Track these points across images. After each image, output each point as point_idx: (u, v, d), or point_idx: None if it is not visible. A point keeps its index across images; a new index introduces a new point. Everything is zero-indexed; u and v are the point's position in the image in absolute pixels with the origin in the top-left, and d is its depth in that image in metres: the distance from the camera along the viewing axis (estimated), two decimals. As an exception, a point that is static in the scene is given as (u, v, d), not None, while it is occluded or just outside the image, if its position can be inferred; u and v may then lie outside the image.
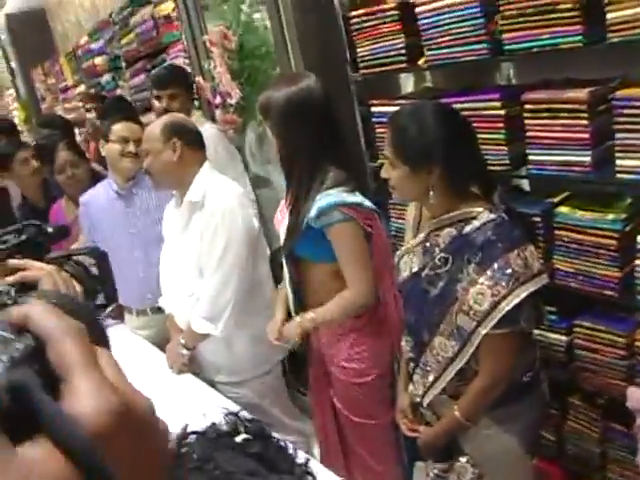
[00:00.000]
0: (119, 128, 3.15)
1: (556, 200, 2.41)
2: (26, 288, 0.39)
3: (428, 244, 1.98)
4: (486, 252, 1.79)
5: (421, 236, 2.02)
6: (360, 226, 2.23)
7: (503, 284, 1.74)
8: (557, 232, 2.33)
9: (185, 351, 2.72)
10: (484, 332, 1.79)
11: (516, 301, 1.74)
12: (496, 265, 1.76)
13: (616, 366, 2.30)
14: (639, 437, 1.55)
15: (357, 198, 2.24)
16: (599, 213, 2.24)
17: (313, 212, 2.19)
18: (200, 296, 2.68)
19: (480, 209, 1.87)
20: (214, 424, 0.85)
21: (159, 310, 3.09)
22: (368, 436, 2.55)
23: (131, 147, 3.11)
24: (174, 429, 0.74)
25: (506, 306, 1.75)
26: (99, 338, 0.43)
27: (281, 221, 2.45)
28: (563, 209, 2.33)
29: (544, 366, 2.10)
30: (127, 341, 3.05)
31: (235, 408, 2.26)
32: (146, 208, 3.18)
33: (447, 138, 1.84)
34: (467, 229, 1.86)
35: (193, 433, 0.84)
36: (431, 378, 1.97)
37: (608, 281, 2.21)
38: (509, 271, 1.74)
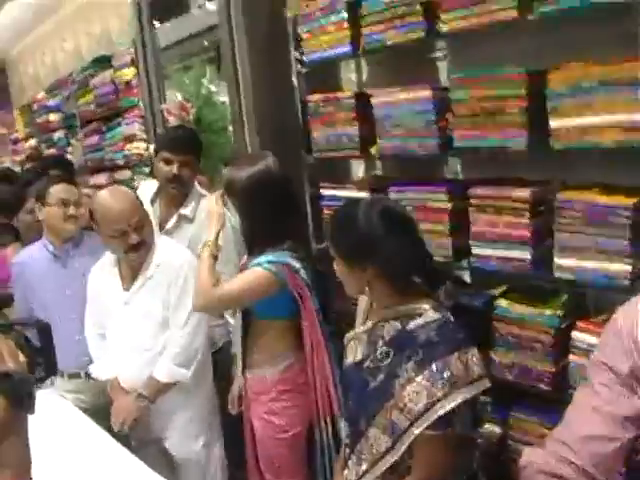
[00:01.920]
0: (58, 190, 3.11)
1: (496, 293, 2.47)
2: None
3: (373, 335, 1.98)
4: (427, 352, 1.77)
5: (369, 324, 2.02)
6: (277, 282, 2.37)
7: (439, 386, 1.71)
8: (496, 324, 2.38)
9: (146, 402, 2.69)
10: (417, 432, 1.75)
11: (451, 405, 1.71)
12: (434, 366, 1.73)
13: (548, 460, 2.33)
14: None
15: (297, 264, 2.38)
16: (537, 308, 2.30)
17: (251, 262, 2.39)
18: (169, 346, 2.71)
19: (426, 306, 1.86)
20: None
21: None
22: None
23: (72, 210, 3.08)
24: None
25: (441, 409, 1.71)
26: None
27: None
28: (502, 302, 2.38)
29: (481, 463, 2.09)
30: (54, 406, 2.98)
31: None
32: (83, 269, 3.12)
33: (379, 238, 1.84)
34: (411, 325, 1.85)
35: None
36: (364, 468, 1.93)
37: (543, 375, 2.26)
38: (447, 374, 1.72)
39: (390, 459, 1.83)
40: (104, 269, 2.86)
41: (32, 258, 3.22)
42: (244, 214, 2.45)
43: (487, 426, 2.49)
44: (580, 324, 2.17)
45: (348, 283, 1.99)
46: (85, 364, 3.07)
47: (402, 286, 1.91)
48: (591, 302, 2.32)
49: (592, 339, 2.08)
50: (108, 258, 2.84)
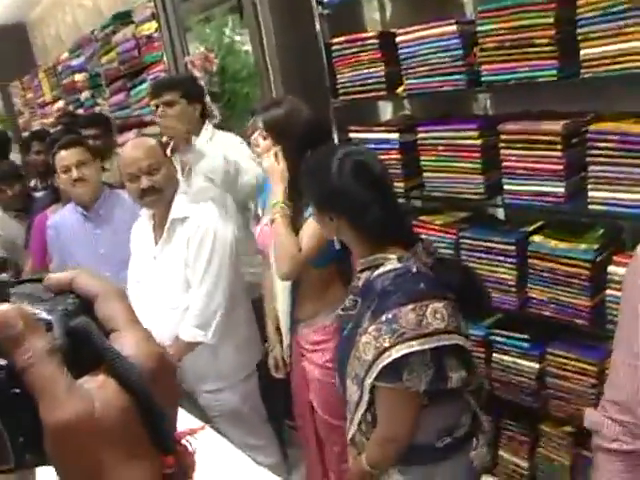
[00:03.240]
0: (59, 158, 3.12)
1: (530, 229, 2.45)
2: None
3: (352, 286, 1.95)
4: (380, 301, 1.71)
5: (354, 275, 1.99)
6: None
7: (386, 337, 1.64)
8: (530, 261, 2.37)
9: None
10: (368, 382, 1.71)
11: (394, 357, 1.63)
12: (385, 317, 1.66)
13: (586, 394, 2.33)
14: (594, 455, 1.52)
15: None
16: (572, 243, 2.28)
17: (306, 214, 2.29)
18: (190, 306, 2.71)
19: (392, 256, 1.78)
20: None
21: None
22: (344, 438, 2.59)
23: (74, 173, 3.08)
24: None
25: (383, 361, 1.64)
26: None
27: (265, 235, 2.54)
28: (537, 238, 2.37)
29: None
30: None
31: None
32: (114, 228, 3.16)
33: (348, 191, 1.80)
34: (374, 275, 1.79)
35: None
36: (349, 416, 1.90)
37: (580, 310, 2.25)
38: (395, 326, 1.63)
39: (361, 409, 1.80)
40: (142, 223, 2.89)
41: (64, 221, 3.26)
42: (298, 158, 2.28)
43: (525, 362, 2.49)
44: (616, 258, 2.14)
45: (321, 227, 1.99)
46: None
47: (373, 238, 1.84)
48: (628, 235, 2.29)
49: (629, 271, 2.07)
50: (146, 213, 2.86)
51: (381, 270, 1.77)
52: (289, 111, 2.37)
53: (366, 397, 1.75)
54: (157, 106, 3.18)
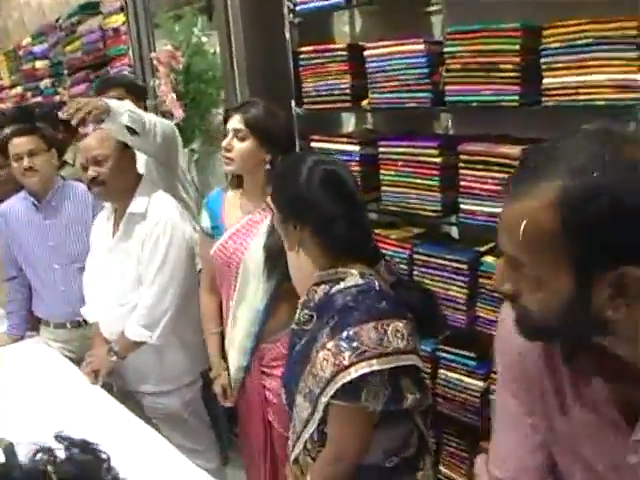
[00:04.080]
0: (12, 145, 3.07)
1: (482, 249, 2.49)
2: None
3: (307, 299, 1.88)
4: (341, 317, 1.65)
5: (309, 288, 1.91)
6: None
7: (345, 355, 1.59)
8: (481, 280, 2.41)
9: (115, 358, 2.70)
10: (324, 400, 1.66)
11: (352, 376, 1.58)
12: (345, 333, 1.61)
13: (527, 414, 2.37)
14: None
15: None
16: (522, 266, 2.32)
17: None
18: (138, 304, 2.69)
19: (354, 271, 1.75)
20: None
21: (78, 324, 3.09)
22: None
23: (25, 162, 3.02)
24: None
25: (342, 379, 1.60)
26: None
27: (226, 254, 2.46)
28: (488, 259, 2.42)
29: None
30: (40, 353, 3.06)
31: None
32: (66, 221, 3.12)
33: (315, 201, 1.76)
34: (334, 289, 1.75)
35: None
36: (294, 436, 1.85)
37: (526, 332, 2.29)
38: (355, 344, 1.59)
39: (311, 427, 1.76)
40: (104, 216, 2.86)
41: (14, 208, 3.20)
42: (276, 156, 2.33)
43: (470, 380, 2.53)
44: (564, 283, 2.18)
45: (284, 237, 1.89)
46: (70, 315, 3.10)
47: (335, 252, 1.80)
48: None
49: (576, 297, 2.11)
50: (108, 206, 2.83)
51: (342, 285, 1.73)
52: (269, 111, 2.35)
53: (318, 415, 1.70)
54: None
